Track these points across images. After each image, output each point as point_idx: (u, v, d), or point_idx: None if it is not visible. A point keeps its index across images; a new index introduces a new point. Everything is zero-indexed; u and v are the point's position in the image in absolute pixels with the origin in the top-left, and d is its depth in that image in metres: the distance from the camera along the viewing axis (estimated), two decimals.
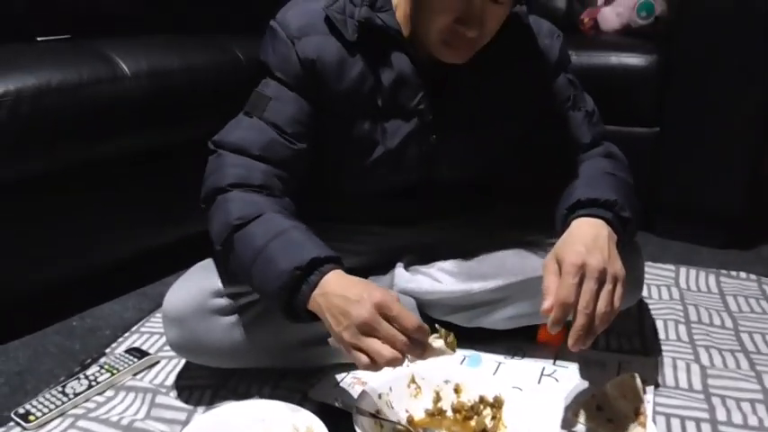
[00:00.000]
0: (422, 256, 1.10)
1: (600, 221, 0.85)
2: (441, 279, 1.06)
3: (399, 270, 1.09)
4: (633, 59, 1.48)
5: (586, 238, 0.81)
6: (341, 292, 0.76)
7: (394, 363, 0.72)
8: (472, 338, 1.09)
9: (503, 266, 1.03)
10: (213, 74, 1.34)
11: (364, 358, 0.73)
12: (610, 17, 1.80)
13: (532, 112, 1.04)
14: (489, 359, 1.07)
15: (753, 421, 0.90)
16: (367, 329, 0.73)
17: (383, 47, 0.94)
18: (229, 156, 0.91)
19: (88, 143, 1.17)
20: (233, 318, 0.93)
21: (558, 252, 0.81)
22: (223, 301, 0.93)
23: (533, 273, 0.99)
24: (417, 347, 0.74)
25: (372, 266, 1.12)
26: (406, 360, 0.75)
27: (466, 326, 1.06)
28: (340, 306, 0.75)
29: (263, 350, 0.96)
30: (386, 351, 0.72)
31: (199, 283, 0.94)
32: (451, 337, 0.79)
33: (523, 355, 1.08)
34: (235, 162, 0.90)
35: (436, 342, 0.77)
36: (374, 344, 0.73)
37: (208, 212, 0.90)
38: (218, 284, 0.93)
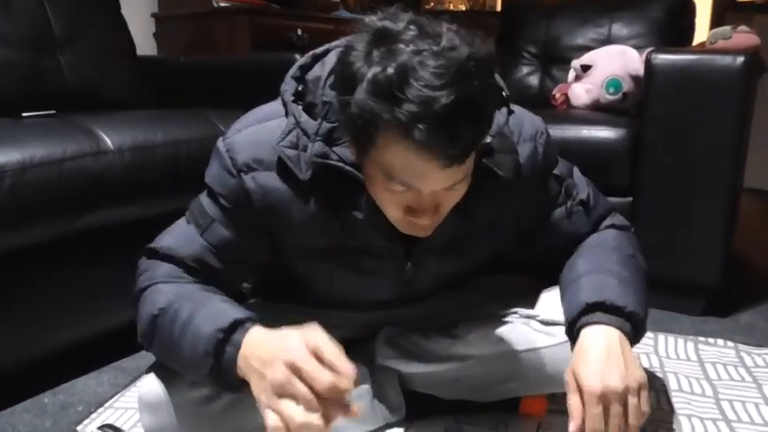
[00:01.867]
0: (400, 330, 1.09)
1: (610, 328, 0.82)
2: (421, 355, 1.04)
3: (380, 345, 1.07)
4: (604, 132, 1.54)
5: (600, 352, 0.79)
6: (258, 353, 0.73)
7: (308, 428, 0.67)
8: (454, 409, 1.07)
9: (486, 340, 1.02)
10: (196, 146, 1.37)
11: (272, 419, 0.69)
12: (580, 93, 1.88)
13: (521, 226, 1.00)
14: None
15: None
16: (282, 392, 0.69)
17: (341, 184, 0.84)
18: (159, 264, 0.89)
19: (70, 217, 1.17)
20: (213, 406, 0.90)
21: (576, 372, 0.79)
22: (203, 391, 0.90)
23: (516, 346, 0.99)
24: (337, 408, 0.69)
25: (353, 339, 1.10)
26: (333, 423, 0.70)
27: (448, 398, 1.05)
28: (256, 368, 0.72)
29: None
30: (297, 415, 0.68)
31: (176, 373, 0.90)
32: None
33: (506, 427, 1.07)
34: (164, 267, 0.88)
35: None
36: (287, 407, 0.68)
37: (137, 306, 0.88)
38: None
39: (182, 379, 0.90)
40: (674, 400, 1.16)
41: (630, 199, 1.56)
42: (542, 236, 1.01)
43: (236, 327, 0.77)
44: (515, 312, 1.05)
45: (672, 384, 1.21)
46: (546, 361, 0.98)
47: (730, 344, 1.39)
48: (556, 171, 0.98)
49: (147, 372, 0.93)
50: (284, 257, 0.94)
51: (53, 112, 1.47)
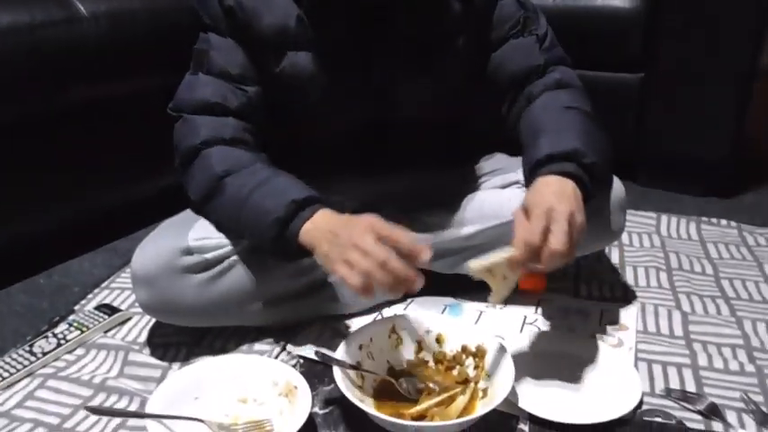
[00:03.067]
0: (401, 205, 1.07)
1: (563, 179, 0.82)
2: (420, 228, 1.02)
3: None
4: (618, 1, 1.43)
5: (553, 189, 0.80)
6: (327, 226, 0.80)
7: (388, 282, 0.72)
8: (453, 287, 1.07)
9: (481, 211, 1.01)
10: (181, 16, 1.26)
11: (355, 278, 0.73)
12: None
13: (480, 39, 0.99)
14: (470, 308, 1.05)
15: (734, 366, 0.90)
16: (357, 253, 0.74)
17: None
18: (194, 117, 0.92)
19: (50, 90, 1.10)
20: (205, 275, 0.90)
21: (527, 203, 0.79)
22: (194, 259, 0.89)
23: (511, 216, 0.96)
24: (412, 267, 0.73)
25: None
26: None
27: (447, 272, 1.05)
28: (331, 231, 0.78)
29: (237, 308, 0.93)
30: (378, 272, 0.72)
31: (168, 242, 0.90)
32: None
33: (505, 304, 1.06)
34: (201, 122, 0.91)
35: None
36: (362, 258, 0.73)
37: (188, 171, 0.91)
38: (189, 242, 0.89)
39: (174, 251, 0.88)
40: (674, 278, 1.15)
41: (642, 75, 1.48)
42: (499, 62, 1.00)
43: (309, 202, 0.83)
44: (516, 183, 1.03)
45: (672, 263, 1.21)
46: None
47: (733, 224, 1.37)
48: None
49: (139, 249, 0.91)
50: (271, 69, 0.95)
51: None
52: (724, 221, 1.38)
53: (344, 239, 0.76)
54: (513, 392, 0.78)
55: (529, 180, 0.87)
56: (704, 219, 1.39)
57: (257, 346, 0.95)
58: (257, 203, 0.84)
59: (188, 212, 0.99)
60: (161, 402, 0.77)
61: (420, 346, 0.90)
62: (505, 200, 0.99)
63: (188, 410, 0.78)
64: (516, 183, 1.03)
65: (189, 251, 0.89)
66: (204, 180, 0.89)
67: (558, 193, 0.79)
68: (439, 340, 0.90)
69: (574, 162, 0.83)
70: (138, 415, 0.78)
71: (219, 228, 0.93)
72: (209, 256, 0.90)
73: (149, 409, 0.75)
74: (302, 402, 0.77)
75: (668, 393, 0.85)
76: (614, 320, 1.02)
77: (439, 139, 1.09)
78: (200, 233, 0.91)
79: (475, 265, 0.79)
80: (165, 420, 0.74)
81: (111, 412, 0.81)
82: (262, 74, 0.95)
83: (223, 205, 0.89)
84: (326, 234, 0.79)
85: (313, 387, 0.86)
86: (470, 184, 1.08)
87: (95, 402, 0.85)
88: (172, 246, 0.89)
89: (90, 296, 1.13)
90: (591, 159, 0.84)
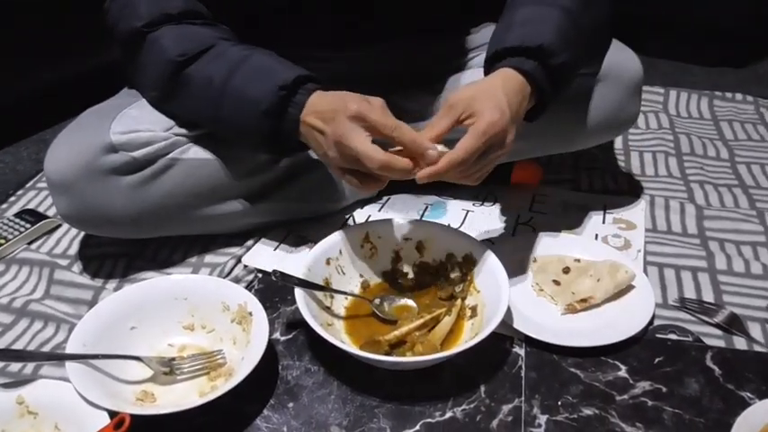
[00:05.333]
0: (374, 88, 0.89)
1: (516, 77, 0.66)
2: (398, 114, 0.85)
3: None
4: None
5: (500, 96, 0.63)
6: (320, 110, 0.66)
7: (385, 170, 0.61)
8: (435, 183, 0.92)
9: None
10: None
11: (354, 180, 0.65)
12: None
13: None
14: (455, 207, 0.92)
15: (756, 269, 0.79)
16: (343, 148, 0.62)
17: None
18: None
19: None
20: (136, 177, 0.74)
21: (474, 101, 0.63)
22: (119, 158, 0.72)
23: None
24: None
25: None
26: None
27: None
28: (318, 125, 0.65)
29: (177, 215, 0.78)
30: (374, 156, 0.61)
31: (86, 138, 0.73)
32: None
33: (495, 201, 0.93)
34: None
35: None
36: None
37: (134, 64, 0.75)
38: (111, 137, 0.72)
39: (94, 149, 0.71)
40: (685, 164, 1.02)
41: None
42: None
43: (299, 84, 0.68)
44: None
45: (683, 147, 1.07)
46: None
47: (749, 98, 1.23)
48: None
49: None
50: None
51: None
52: (739, 95, 1.24)
53: (329, 137, 0.64)
54: (506, 311, 0.66)
55: (486, 71, 0.70)
56: (717, 93, 1.24)
57: (208, 257, 0.82)
58: (237, 94, 0.69)
59: (119, 96, 0.81)
60: (89, 335, 0.64)
61: (398, 255, 0.77)
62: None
63: (123, 343, 0.66)
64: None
65: (112, 148, 0.72)
66: (158, 72, 0.73)
67: (506, 101, 0.63)
68: (420, 249, 0.77)
69: (536, 60, 0.67)
70: (56, 357, 0.65)
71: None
72: (136, 154, 0.73)
73: (72, 345, 0.62)
74: (258, 331, 0.65)
75: (682, 304, 0.75)
76: (619, 217, 0.89)
77: (420, 4, 0.88)
78: (126, 125, 0.74)
79: None
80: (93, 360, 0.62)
81: (18, 356, 0.67)
82: None
83: (192, 102, 0.73)
84: (314, 131, 0.66)
85: (274, 307, 0.75)
86: (455, 60, 0.90)
87: (17, 329, 0.72)
88: (90, 142, 0.72)
89: (12, 198, 0.97)
90: (560, 60, 0.67)
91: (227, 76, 0.70)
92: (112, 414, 0.56)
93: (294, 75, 0.67)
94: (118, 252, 0.83)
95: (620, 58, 0.83)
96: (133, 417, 0.55)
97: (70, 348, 0.62)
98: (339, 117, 0.63)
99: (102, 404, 0.56)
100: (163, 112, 0.77)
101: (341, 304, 0.72)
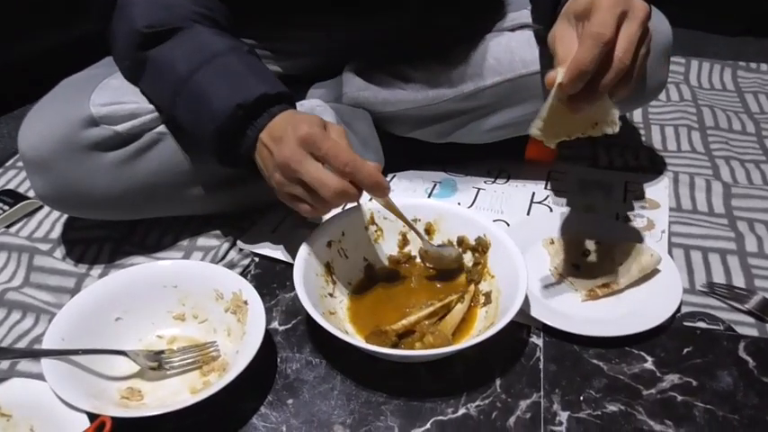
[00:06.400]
0: (377, 56, 0.83)
1: None
2: (403, 85, 0.80)
3: (348, 75, 0.83)
4: None
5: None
6: (272, 128, 0.61)
7: (339, 198, 0.58)
8: (444, 159, 0.89)
9: (482, 64, 0.77)
10: None
11: (304, 206, 0.60)
12: None
13: None
14: (466, 185, 0.86)
15: None
16: (290, 173, 0.58)
17: None
18: None
19: None
20: (119, 153, 0.68)
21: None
22: (100, 132, 0.66)
23: (522, 69, 0.75)
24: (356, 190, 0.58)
25: (316, 72, 0.86)
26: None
27: (436, 142, 0.84)
28: (268, 145, 0.60)
29: (166, 194, 0.72)
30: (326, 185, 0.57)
31: (63, 110, 0.67)
32: None
33: (508, 178, 0.87)
34: None
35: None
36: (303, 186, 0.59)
37: (109, 30, 0.69)
38: (91, 109, 0.66)
39: (72, 123, 0.65)
40: (709, 139, 0.96)
41: None
42: None
43: (263, 104, 0.62)
44: (526, 25, 0.78)
45: (707, 120, 1.01)
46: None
47: None
48: None
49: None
50: None
51: None
52: (764, 66, 1.18)
53: (276, 160, 0.59)
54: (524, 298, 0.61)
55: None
56: (741, 63, 1.17)
57: (200, 240, 0.76)
58: (197, 94, 0.63)
59: (99, 65, 0.75)
60: (68, 328, 0.59)
61: (405, 238, 0.72)
62: (514, 49, 0.76)
63: (107, 336, 0.60)
64: (526, 25, 0.78)
65: (93, 121, 0.66)
66: (126, 43, 0.67)
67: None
68: (429, 231, 0.71)
69: None
70: (31, 354, 0.59)
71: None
72: (120, 128, 0.67)
73: (49, 340, 0.57)
74: (254, 321, 0.59)
75: (711, 289, 0.69)
76: (641, 195, 0.83)
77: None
78: (107, 96, 0.68)
79: (536, 126, 0.58)
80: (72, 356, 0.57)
81: None
82: None
83: (151, 86, 0.68)
84: (263, 152, 0.61)
85: (272, 294, 0.69)
86: (468, 24, 0.82)
87: None
88: (68, 115, 0.66)
89: None
90: None
91: (193, 68, 0.63)
92: (93, 416, 0.51)
93: (259, 92, 0.61)
94: (103, 236, 0.77)
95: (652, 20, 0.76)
96: (115, 419, 0.50)
97: (47, 343, 0.56)
98: (288, 139, 0.58)
99: (80, 406, 0.51)
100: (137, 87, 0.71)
101: (344, 291, 0.67)
